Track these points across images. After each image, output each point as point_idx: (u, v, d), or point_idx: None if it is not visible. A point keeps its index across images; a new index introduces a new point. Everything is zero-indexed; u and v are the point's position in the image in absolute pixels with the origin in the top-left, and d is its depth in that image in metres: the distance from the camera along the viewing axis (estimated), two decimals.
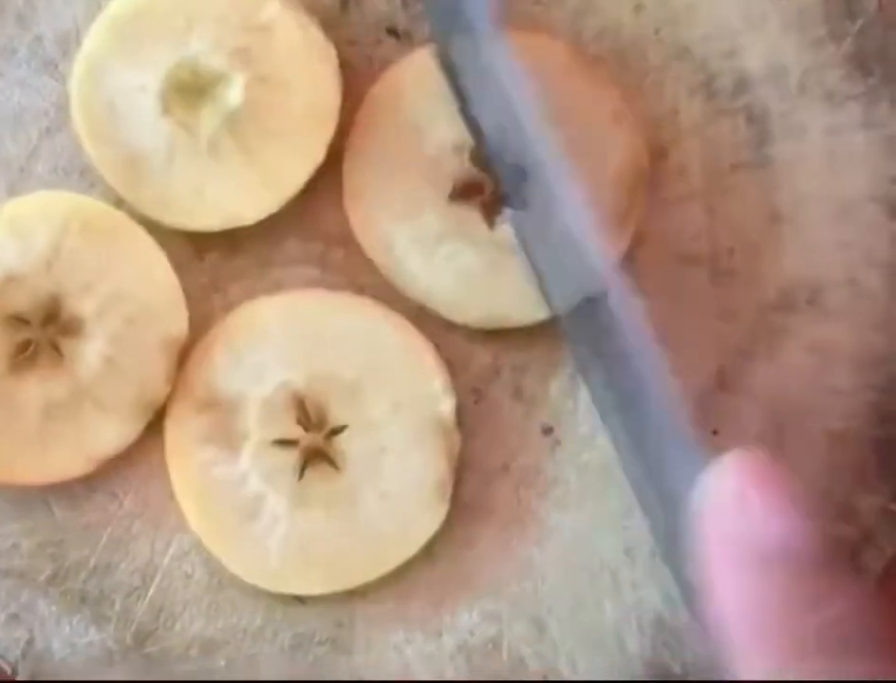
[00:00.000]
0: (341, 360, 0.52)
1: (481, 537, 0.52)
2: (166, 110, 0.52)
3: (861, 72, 0.54)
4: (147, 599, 0.52)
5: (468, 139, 0.53)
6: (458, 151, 0.53)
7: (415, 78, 0.53)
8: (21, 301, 0.52)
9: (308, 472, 0.52)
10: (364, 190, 0.53)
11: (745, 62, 0.54)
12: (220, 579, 0.52)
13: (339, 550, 0.51)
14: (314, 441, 0.52)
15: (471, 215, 0.53)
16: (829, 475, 0.53)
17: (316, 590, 0.52)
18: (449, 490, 0.52)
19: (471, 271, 0.52)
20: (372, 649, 0.52)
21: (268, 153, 0.52)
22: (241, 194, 0.52)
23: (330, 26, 0.54)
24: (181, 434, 0.52)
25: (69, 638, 0.52)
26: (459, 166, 0.53)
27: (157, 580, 0.52)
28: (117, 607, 0.52)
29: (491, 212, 0.53)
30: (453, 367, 0.53)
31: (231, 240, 0.53)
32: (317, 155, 0.52)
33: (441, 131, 0.53)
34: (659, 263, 0.53)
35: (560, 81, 0.53)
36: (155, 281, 0.52)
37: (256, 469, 0.51)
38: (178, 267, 0.52)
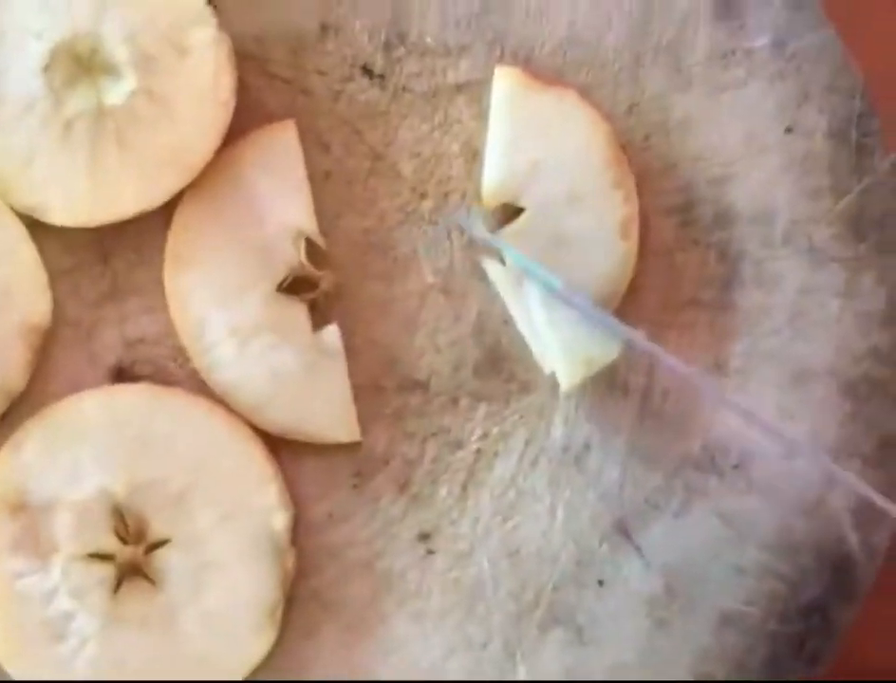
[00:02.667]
0: (167, 466, 0.47)
1: (322, 630, 0.48)
2: (47, 68, 0.48)
3: (854, 235, 0.49)
4: None
5: (310, 230, 0.48)
6: (297, 240, 0.48)
7: (267, 153, 0.49)
8: None
9: (123, 589, 0.47)
10: (188, 259, 0.49)
11: (732, 194, 0.50)
12: None
13: (156, 674, 0.46)
14: (132, 555, 0.47)
15: (296, 312, 0.48)
16: (712, 660, 0.48)
17: None
18: (279, 614, 0.47)
19: (284, 372, 0.48)
20: None
21: (113, 167, 0.48)
22: (62, 190, 0.48)
23: (302, 50, 0.50)
24: None
25: None
26: (294, 257, 0.48)
27: None
28: None
29: (318, 313, 0.48)
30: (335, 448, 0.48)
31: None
32: (156, 199, 0.48)
33: (283, 214, 0.49)
34: (592, 385, 0.49)
35: None
36: (15, 260, 0.48)
37: (66, 584, 0.46)
38: None
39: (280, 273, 0.48)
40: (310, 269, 0.49)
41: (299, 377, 0.48)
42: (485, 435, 0.49)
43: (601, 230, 0.48)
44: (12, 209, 0.48)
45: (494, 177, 0.48)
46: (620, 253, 0.48)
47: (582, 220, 0.48)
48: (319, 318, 0.49)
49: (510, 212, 0.48)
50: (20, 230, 0.48)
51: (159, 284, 0.49)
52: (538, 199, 0.48)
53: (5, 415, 0.48)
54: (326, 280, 0.49)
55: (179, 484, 0.47)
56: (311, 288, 0.49)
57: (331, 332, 0.49)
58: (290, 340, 0.48)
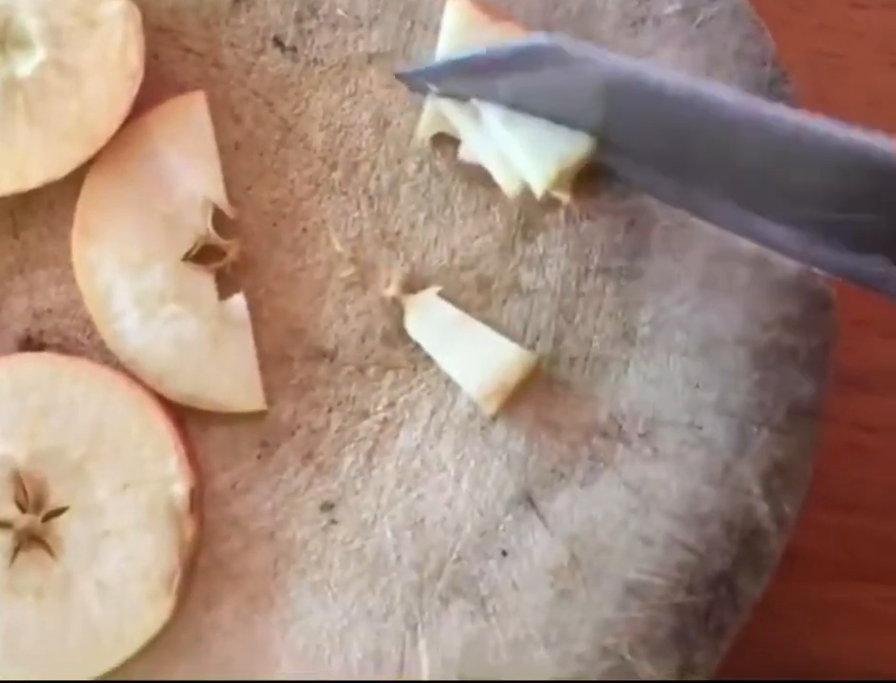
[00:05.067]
0: (68, 434, 0.47)
1: (223, 601, 0.48)
2: None
3: None
4: None
5: (218, 199, 0.48)
6: (205, 209, 0.48)
7: (176, 124, 0.49)
8: None
9: (19, 558, 0.47)
10: (95, 228, 0.49)
11: None
12: None
13: (50, 646, 0.46)
14: (30, 523, 0.47)
15: (203, 281, 0.48)
16: (614, 630, 0.47)
17: None
18: (176, 583, 0.47)
19: (189, 341, 0.48)
20: None
21: (20, 137, 0.48)
22: None
23: (215, 22, 0.50)
24: None
25: None
26: (201, 226, 0.48)
27: None
28: None
29: (227, 283, 0.48)
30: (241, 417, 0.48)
31: None
32: (62, 169, 0.48)
33: (191, 183, 0.49)
34: None
35: None
36: None
37: None
38: None
39: (187, 243, 0.48)
40: (217, 238, 0.49)
41: (205, 346, 0.48)
42: (391, 405, 0.49)
43: None
44: None
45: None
46: None
47: None
48: (227, 288, 0.49)
49: None
50: None
51: (69, 255, 0.49)
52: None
53: None
54: (233, 249, 0.49)
55: (80, 452, 0.47)
56: (219, 258, 0.49)
57: (237, 301, 0.48)
58: (196, 309, 0.48)
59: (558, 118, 0.46)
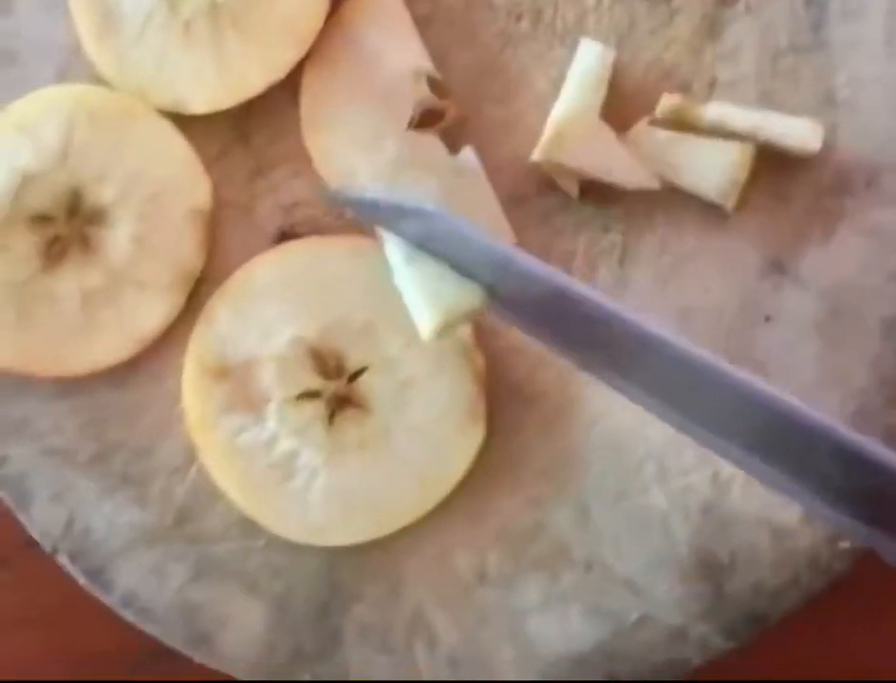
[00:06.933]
0: (347, 305, 0.51)
1: (526, 423, 0.51)
2: None
3: None
4: (188, 479, 0.51)
5: (426, 66, 0.52)
6: (417, 78, 0.52)
7: (373, 8, 0.53)
8: (42, 199, 0.52)
9: (336, 420, 0.50)
10: (322, 120, 0.52)
11: None
12: None
13: (382, 492, 0.50)
14: (337, 388, 0.51)
15: (431, 143, 0.52)
16: (883, 363, 0.51)
17: (365, 537, 0.50)
18: (481, 411, 0.50)
19: (433, 199, 0.51)
20: (413, 533, 0.51)
21: (235, 52, 0.52)
22: (196, 83, 0.52)
23: None
24: (201, 408, 0.51)
25: (110, 518, 0.51)
26: (418, 93, 0.52)
27: (198, 460, 0.51)
28: (158, 487, 0.52)
29: (451, 138, 0.52)
30: None
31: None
32: (280, 70, 0.52)
33: (399, 59, 0.52)
34: None
35: None
36: (170, 155, 0.52)
37: (284, 427, 0.50)
38: None
39: (408, 112, 0.52)
40: (434, 100, 0.52)
41: (447, 202, 0.51)
42: (628, 215, 0.52)
43: None
44: (157, 111, 0.52)
45: None
46: None
47: None
48: (453, 145, 0.52)
49: None
50: (169, 128, 0.52)
51: (300, 149, 0.52)
52: None
53: (192, 295, 0.52)
54: (451, 109, 0.52)
55: (363, 319, 0.50)
56: (439, 120, 0.52)
57: (467, 153, 0.52)
58: (432, 169, 0.52)
59: (454, 268, 0.47)
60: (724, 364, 0.44)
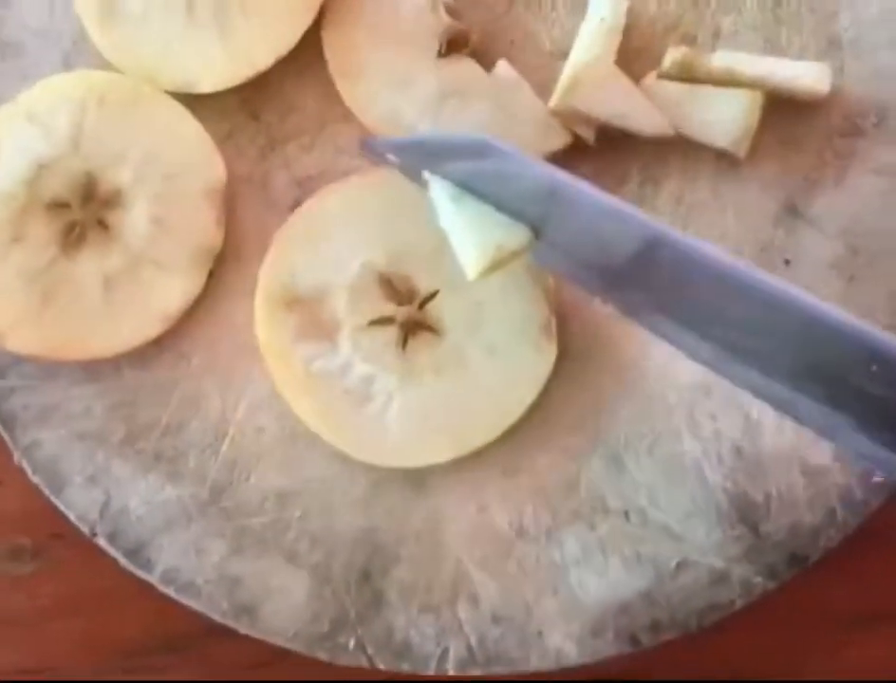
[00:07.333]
0: (416, 231, 0.51)
1: (556, 375, 0.51)
2: None
3: None
4: (221, 454, 0.52)
5: None
6: (435, 7, 0.53)
7: None
8: (57, 185, 0.52)
9: (409, 344, 0.51)
10: (352, 67, 0.53)
11: None
12: (292, 431, 0.52)
13: (458, 413, 0.51)
14: (410, 313, 0.51)
15: (465, 65, 0.53)
16: None
17: (444, 458, 0.51)
18: (553, 328, 0.51)
19: (481, 120, 0.52)
20: (451, 490, 0.51)
21: (241, 28, 0.52)
22: (203, 63, 0.52)
23: None
24: (274, 338, 0.51)
25: (145, 496, 0.51)
26: (439, 22, 0.52)
27: (229, 435, 0.52)
28: (191, 464, 0.52)
29: (483, 57, 0.52)
30: None
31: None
32: (286, 44, 0.52)
33: None
34: None
35: None
36: (182, 135, 0.52)
37: (358, 353, 0.51)
38: None
39: (434, 43, 0.52)
40: (458, 25, 0.53)
41: (496, 117, 0.52)
42: (645, 167, 0.53)
43: None
44: (167, 93, 0.52)
45: None
46: None
47: None
48: (484, 66, 0.53)
49: None
50: (179, 109, 0.52)
51: (310, 122, 0.53)
52: None
53: (212, 271, 0.52)
54: (474, 31, 0.53)
55: (430, 245, 0.51)
56: (464, 46, 0.53)
57: (503, 65, 0.53)
58: (474, 92, 0.52)
59: (500, 208, 0.47)
60: (768, 276, 0.44)
